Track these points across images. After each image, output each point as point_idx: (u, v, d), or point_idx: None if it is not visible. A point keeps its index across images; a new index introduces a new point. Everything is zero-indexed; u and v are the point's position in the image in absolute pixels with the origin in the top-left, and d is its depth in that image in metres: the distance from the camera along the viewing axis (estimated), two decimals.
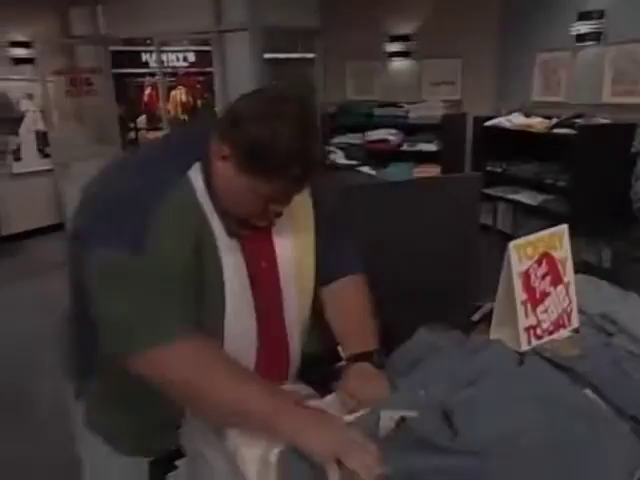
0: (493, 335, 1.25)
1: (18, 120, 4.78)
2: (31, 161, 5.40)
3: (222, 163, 0.96)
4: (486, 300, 1.64)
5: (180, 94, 7.89)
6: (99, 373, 1.11)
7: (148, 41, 7.43)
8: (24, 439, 2.50)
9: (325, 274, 1.18)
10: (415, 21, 5.26)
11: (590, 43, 3.97)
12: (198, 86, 8.03)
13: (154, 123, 8.17)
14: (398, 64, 5.43)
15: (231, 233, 1.01)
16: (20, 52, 5.16)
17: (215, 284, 0.99)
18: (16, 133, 4.85)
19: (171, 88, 8.05)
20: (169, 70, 7.74)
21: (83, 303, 1.00)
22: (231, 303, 1.01)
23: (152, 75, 8.05)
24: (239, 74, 5.04)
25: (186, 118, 7.97)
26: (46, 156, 5.52)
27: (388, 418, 0.90)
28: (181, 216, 0.95)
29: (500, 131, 4.40)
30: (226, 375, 0.92)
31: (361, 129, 5.28)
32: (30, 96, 5.28)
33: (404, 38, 5.23)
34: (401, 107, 5.17)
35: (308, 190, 1.09)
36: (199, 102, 8.03)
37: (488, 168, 4.52)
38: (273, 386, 0.98)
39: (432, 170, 5.02)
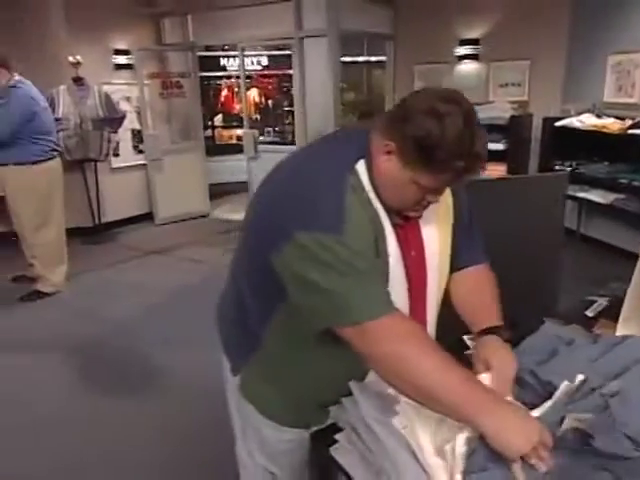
0: (621, 330, 1.24)
1: (121, 120, 5.00)
2: (127, 157, 5.65)
3: (386, 157, 0.97)
4: (580, 296, 1.62)
5: (254, 95, 8.04)
6: (261, 350, 1.14)
7: (226, 47, 7.62)
8: (153, 406, 2.62)
9: (458, 261, 1.20)
10: (485, 25, 5.14)
11: None
12: (269, 87, 8.16)
13: (229, 122, 8.37)
14: (466, 66, 5.33)
15: (392, 223, 1.04)
16: (120, 59, 5.40)
17: (383, 270, 1.02)
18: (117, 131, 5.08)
19: (246, 89, 8.23)
20: (245, 73, 7.91)
21: (259, 283, 1.05)
22: (393, 289, 1.02)
23: (228, 78, 8.24)
24: (316, 76, 5.08)
25: (258, 117, 8.12)
26: (140, 152, 5.77)
27: (573, 419, 0.91)
28: (362, 204, 0.98)
29: (570, 131, 4.27)
30: (433, 359, 0.92)
31: None
32: (128, 98, 5.52)
33: (474, 42, 5.13)
34: None
35: None
36: (270, 102, 8.16)
37: (556, 167, 4.39)
38: (473, 376, 0.99)
39: (498, 169, 4.92)
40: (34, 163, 3.56)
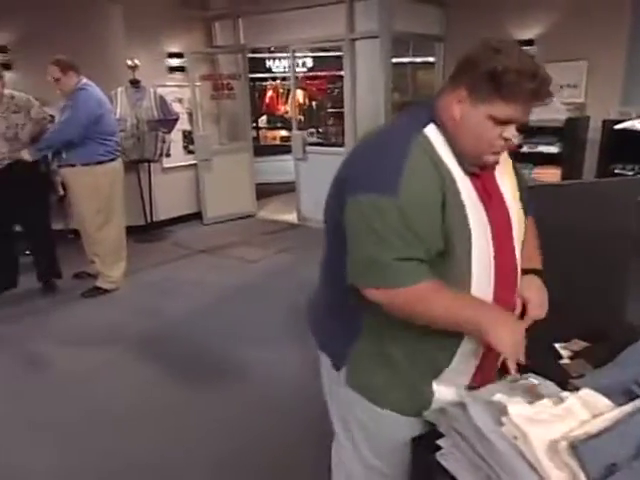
0: None
1: (174, 121, 5.12)
2: (178, 157, 5.79)
3: (459, 106, 1.07)
4: None
5: (299, 96, 8.10)
6: (362, 336, 1.18)
7: (272, 48, 7.70)
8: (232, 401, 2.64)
9: None
10: (540, 25, 5.04)
11: None
12: (314, 89, 8.21)
13: (273, 123, 8.47)
14: None
15: (466, 171, 1.11)
16: (174, 62, 5.54)
17: (459, 217, 1.08)
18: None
19: (289, 91, 8.28)
20: (289, 74, 7.98)
21: (339, 254, 1.11)
22: (475, 232, 1.08)
23: (273, 79, 8.34)
24: (366, 77, 5.09)
25: (302, 118, 8.19)
26: (190, 153, 5.90)
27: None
28: (432, 163, 1.06)
29: (631, 134, 4.14)
30: (448, 296, 1.08)
31: None
32: (180, 100, 5.65)
33: (528, 42, 5.02)
34: None
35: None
36: (314, 103, 8.22)
37: (616, 171, 4.26)
38: (482, 299, 1.12)
39: (552, 172, 4.81)
40: (99, 163, 3.70)
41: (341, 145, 5.59)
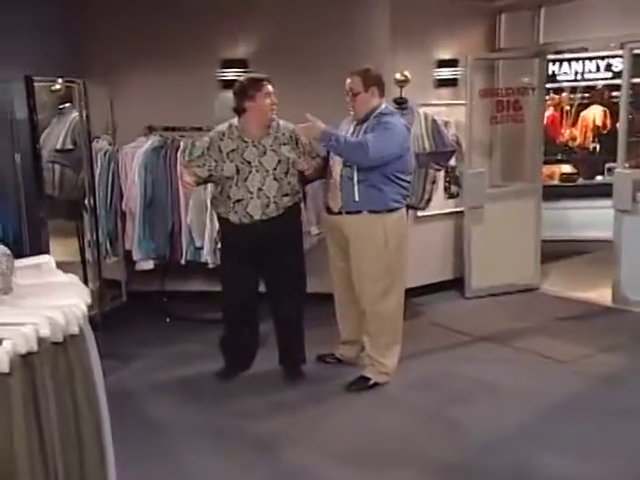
0: None
1: (451, 154, 5.31)
2: (436, 202, 5.94)
3: None
4: None
5: (594, 115, 7.97)
6: None
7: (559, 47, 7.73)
8: None
9: None
10: None
11: None
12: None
13: (550, 154, 8.39)
14: None
15: None
16: (444, 72, 5.84)
17: None
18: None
19: (581, 108, 8.22)
20: (582, 84, 7.94)
21: None
22: None
23: (557, 91, 8.34)
24: None
25: (596, 147, 8.02)
26: (451, 196, 6.10)
27: None
28: None
29: None
30: None
31: None
32: (446, 124, 5.88)
33: None
34: None
35: None
36: (618, 125, 7.96)
37: None
38: None
39: None
40: (391, 211, 4.02)
41: None
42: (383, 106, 4.07)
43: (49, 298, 1.91)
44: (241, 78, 4.25)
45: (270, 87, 4.00)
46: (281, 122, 4.15)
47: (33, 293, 1.98)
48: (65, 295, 1.95)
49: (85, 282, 4.50)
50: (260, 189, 3.99)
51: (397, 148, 3.91)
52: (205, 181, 4.25)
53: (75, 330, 1.81)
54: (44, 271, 2.26)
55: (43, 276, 2.20)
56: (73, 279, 2.21)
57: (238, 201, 4.02)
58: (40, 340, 1.69)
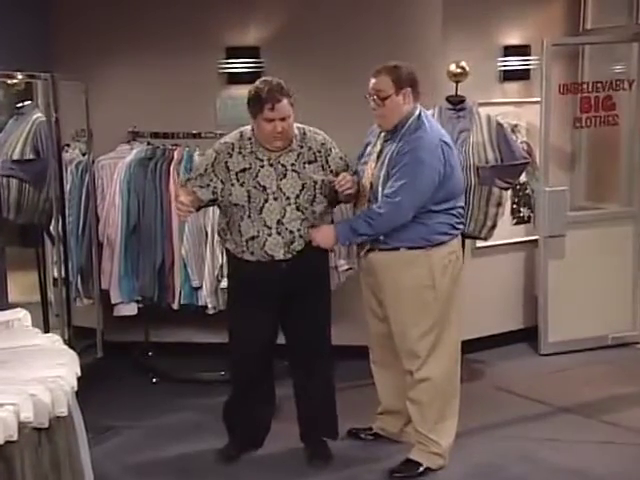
0: None
1: (522, 167, 5.29)
2: (499, 229, 5.95)
3: None
4: None
5: None
6: None
7: None
8: None
9: None
10: None
11: None
12: None
13: None
14: None
15: None
16: (511, 62, 5.90)
17: None
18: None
19: None
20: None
21: None
22: None
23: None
24: None
25: None
26: (520, 222, 6.14)
27: None
28: None
29: None
30: None
31: None
32: (514, 127, 5.94)
33: None
34: None
35: None
36: None
37: None
38: None
39: None
40: (435, 245, 4.02)
41: None
42: (417, 112, 4.01)
43: (29, 369, 1.92)
44: (254, 84, 3.99)
45: (279, 107, 3.80)
46: (307, 131, 4.08)
47: (7, 361, 2.00)
48: (48, 364, 1.96)
49: (46, 330, 4.40)
50: (280, 222, 3.94)
51: (434, 181, 3.86)
52: (206, 204, 4.19)
53: (63, 411, 1.82)
54: (16, 331, 2.27)
55: (16, 337, 2.22)
56: (55, 341, 2.23)
57: (252, 238, 3.97)
58: (21, 426, 1.71)
